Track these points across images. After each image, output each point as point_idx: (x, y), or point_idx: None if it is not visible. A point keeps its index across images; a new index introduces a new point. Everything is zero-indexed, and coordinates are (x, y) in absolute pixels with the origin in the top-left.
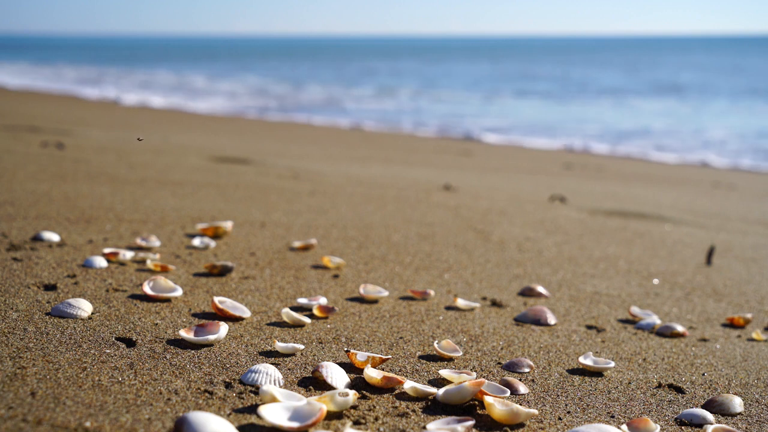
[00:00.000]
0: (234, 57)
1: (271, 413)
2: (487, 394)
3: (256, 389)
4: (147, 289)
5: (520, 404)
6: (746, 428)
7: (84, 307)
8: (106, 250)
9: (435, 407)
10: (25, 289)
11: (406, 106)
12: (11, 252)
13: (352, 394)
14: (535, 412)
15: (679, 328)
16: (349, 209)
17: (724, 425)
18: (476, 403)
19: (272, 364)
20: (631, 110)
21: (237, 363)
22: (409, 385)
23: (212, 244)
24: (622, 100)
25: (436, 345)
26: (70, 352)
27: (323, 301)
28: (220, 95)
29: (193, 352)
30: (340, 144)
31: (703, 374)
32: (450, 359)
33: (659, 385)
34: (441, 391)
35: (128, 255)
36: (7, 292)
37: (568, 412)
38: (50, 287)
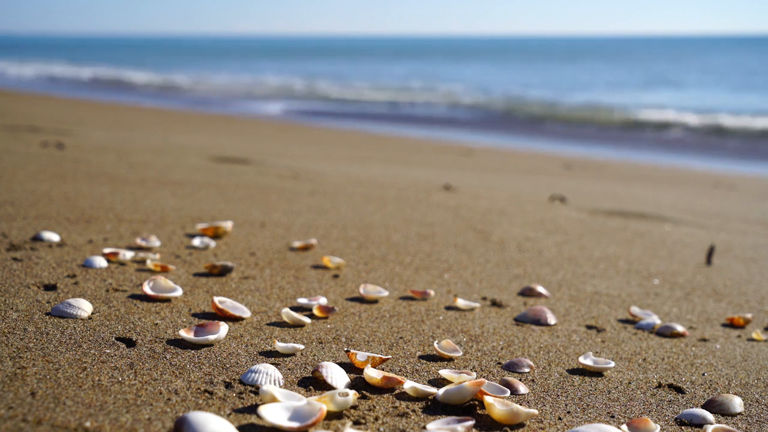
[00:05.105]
0: (245, 56)
1: (271, 413)
2: (487, 394)
3: (256, 389)
4: (147, 289)
5: (520, 404)
6: (746, 428)
7: (84, 307)
8: (106, 250)
9: (435, 407)
10: (25, 289)
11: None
12: (11, 252)
13: (352, 394)
14: (535, 412)
15: (679, 328)
16: (349, 209)
17: (724, 425)
18: (476, 403)
19: (272, 364)
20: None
21: (237, 363)
22: (409, 385)
23: (212, 244)
24: (622, 101)
25: (436, 345)
26: (70, 352)
27: (323, 301)
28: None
29: (193, 352)
30: (340, 144)
31: (703, 374)
32: (450, 359)
33: (659, 385)
34: (441, 391)
35: (128, 255)
36: (7, 292)
37: (568, 412)
38: (50, 287)
